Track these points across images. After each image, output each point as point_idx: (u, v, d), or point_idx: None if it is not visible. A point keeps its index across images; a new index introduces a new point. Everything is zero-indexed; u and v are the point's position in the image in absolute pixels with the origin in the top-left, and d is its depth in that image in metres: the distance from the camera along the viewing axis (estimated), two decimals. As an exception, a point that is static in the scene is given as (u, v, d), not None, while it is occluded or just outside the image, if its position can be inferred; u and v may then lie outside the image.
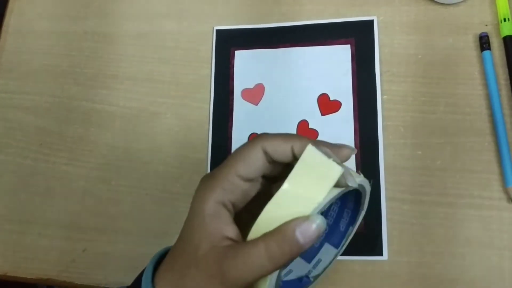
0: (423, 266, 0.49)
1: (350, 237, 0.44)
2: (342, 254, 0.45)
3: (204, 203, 0.35)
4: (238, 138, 0.55)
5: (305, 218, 0.32)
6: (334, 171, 0.33)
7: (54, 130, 0.60)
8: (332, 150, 0.36)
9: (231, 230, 0.35)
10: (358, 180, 0.36)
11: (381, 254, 0.50)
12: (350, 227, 0.43)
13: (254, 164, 0.35)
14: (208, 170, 0.55)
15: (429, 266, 0.49)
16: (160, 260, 0.38)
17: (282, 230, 0.33)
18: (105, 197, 0.57)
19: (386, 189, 0.51)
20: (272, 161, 0.36)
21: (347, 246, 0.48)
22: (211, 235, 0.34)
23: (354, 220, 0.43)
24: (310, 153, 0.34)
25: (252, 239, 0.34)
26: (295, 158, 0.35)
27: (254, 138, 0.37)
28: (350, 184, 0.34)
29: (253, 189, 0.37)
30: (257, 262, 0.33)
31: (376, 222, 0.50)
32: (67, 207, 0.57)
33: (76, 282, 0.54)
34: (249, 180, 0.36)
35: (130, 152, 0.58)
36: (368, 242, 0.50)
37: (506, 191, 0.49)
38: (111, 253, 0.55)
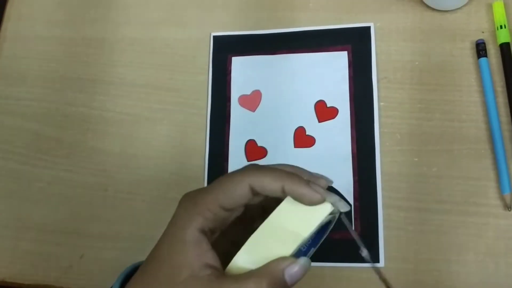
0: (419, 273, 0.49)
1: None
2: (339, 261, 0.45)
3: (185, 230, 0.35)
4: (236, 145, 0.55)
5: (293, 261, 0.34)
6: (323, 209, 0.35)
7: (51, 136, 0.60)
8: (311, 179, 0.36)
9: (211, 257, 0.35)
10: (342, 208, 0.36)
11: (377, 260, 0.50)
12: (312, 248, 0.43)
13: (238, 198, 0.36)
14: (205, 177, 0.55)
15: (425, 273, 0.49)
16: (128, 277, 0.38)
17: (271, 272, 0.34)
18: (102, 203, 0.57)
19: (382, 196, 0.51)
20: (257, 193, 0.36)
21: (344, 252, 0.49)
22: (192, 263, 0.34)
23: (317, 243, 0.43)
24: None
25: (238, 275, 0.34)
26: (284, 195, 0.36)
27: (243, 170, 0.36)
28: (340, 209, 0.36)
29: (233, 216, 0.37)
30: None
31: (373, 228, 0.50)
32: (65, 213, 0.57)
33: (73, 288, 0.55)
34: (231, 211, 0.36)
35: (127, 158, 0.58)
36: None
37: (502, 198, 0.49)
38: (108, 259, 0.55)
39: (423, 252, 0.49)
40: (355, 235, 0.36)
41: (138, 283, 0.37)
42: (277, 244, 0.35)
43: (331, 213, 0.35)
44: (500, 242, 0.49)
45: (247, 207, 0.38)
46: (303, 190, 0.35)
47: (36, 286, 0.55)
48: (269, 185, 0.35)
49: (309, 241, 0.41)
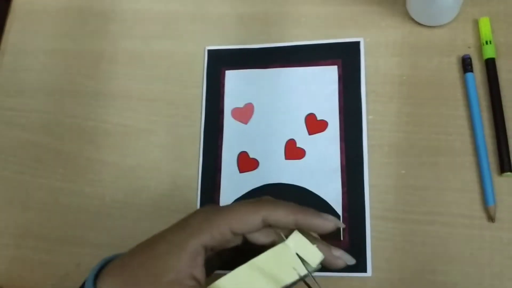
0: (406, 283, 0.50)
1: None
2: (327, 271, 0.46)
3: (190, 239, 0.38)
4: (228, 156, 0.57)
5: None
6: (295, 273, 0.38)
7: (49, 147, 0.61)
8: (316, 221, 0.40)
9: (200, 272, 0.37)
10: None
11: (365, 270, 0.51)
12: None
13: (249, 227, 0.39)
14: (199, 187, 0.56)
15: (411, 282, 0.50)
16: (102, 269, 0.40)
17: None
18: (99, 212, 0.58)
19: (370, 207, 0.53)
20: (268, 225, 0.39)
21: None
22: (182, 270, 0.37)
23: None
24: (296, 238, 0.39)
25: None
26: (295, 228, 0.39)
27: (258, 202, 0.39)
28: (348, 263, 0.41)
29: (237, 241, 0.40)
30: None
31: (361, 239, 0.52)
32: (61, 222, 0.58)
33: (69, 296, 0.56)
34: (238, 235, 0.39)
35: (123, 168, 0.59)
36: (352, 258, 0.51)
37: (486, 210, 0.50)
38: (104, 268, 0.56)
39: (410, 262, 0.51)
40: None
41: (117, 266, 0.39)
42: (260, 283, 0.38)
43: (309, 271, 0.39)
44: (485, 253, 0.50)
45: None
46: (316, 220, 0.39)
47: (33, 293, 0.57)
48: (283, 218, 0.38)
49: None
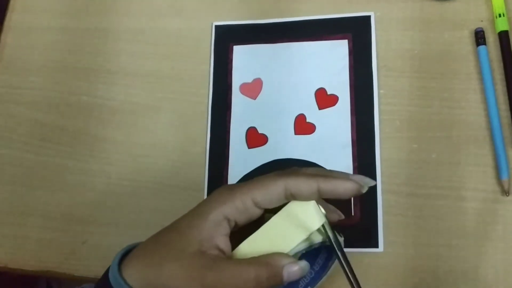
0: (418, 258, 0.49)
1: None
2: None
3: (211, 210, 0.37)
4: (237, 132, 0.56)
5: (294, 261, 0.37)
6: (316, 221, 0.37)
7: (55, 125, 0.60)
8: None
9: (224, 242, 0.37)
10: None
11: (376, 246, 0.50)
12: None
13: (272, 197, 0.37)
14: (207, 164, 0.56)
15: (424, 257, 0.49)
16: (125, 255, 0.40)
17: (272, 264, 0.36)
18: (105, 190, 0.57)
19: (382, 182, 0.52)
20: (291, 198, 0.38)
21: (344, 238, 0.49)
22: (205, 240, 0.36)
23: (316, 280, 0.45)
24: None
25: (241, 260, 0.37)
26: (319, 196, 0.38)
27: (280, 172, 0.38)
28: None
29: (257, 214, 0.39)
30: (244, 283, 0.36)
31: (372, 214, 0.51)
32: (67, 200, 0.58)
33: (75, 274, 0.55)
34: (260, 208, 0.38)
35: (130, 146, 0.58)
36: (364, 234, 0.51)
37: (500, 184, 0.50)
38: (110, 246, 0.55)
39: (422, 237, 0.50)
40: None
41: (141, 249, 0.39)
42: (280, 240, 0.37)
43: (323, 242, 0.38)
44: (498, 227, 0.49)
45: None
46: (339, 184, 0.37)
47: (38, 271, 0.56)
48: (304, 186, 0.37)
49: (321, 258, 0.43)
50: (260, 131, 0.55)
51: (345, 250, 0.50)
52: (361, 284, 0.36)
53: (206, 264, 0.36)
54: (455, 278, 0.48)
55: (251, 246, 0.38)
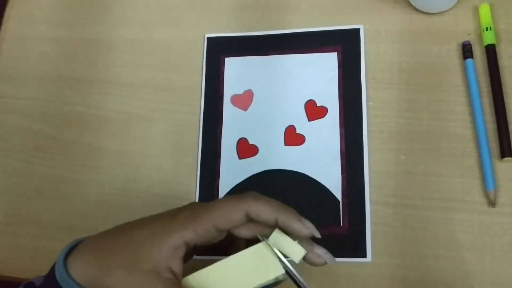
0: (406, 268, 0.50)
1: None
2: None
3: (173, 233, 0.38)
4: (227, 142, 0.57)
5: None
6: (279, 268, 0.38)
7: (49, 134, 0.61)
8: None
9: (178, 266, 0.38)
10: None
11: (364, 256, 0.51)
12: None
13: (232, 223, 0.39)
14: (198, 175, 0.56)
15: (411, 268, 0.50)
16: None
17: None
18: (98, 200, 0.58)
19: (370, 192, 0.52)
20: (251, 220, 0.39)
21: (331, 247, 0.50)
22: (160, 261, 0.37)
23: None
24: (277, 236, 0.39)
25: None
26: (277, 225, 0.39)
27: (241, 196, 0.39)
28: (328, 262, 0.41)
29: (220, 237, 0.40)
30: None
31: (360, 224, 0.51)
32: (61, 210, 0.58)
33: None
34: (222, 232, 0.39)
35: (123, 156, 0.59)
36: (352, 244, 0.51)
37: (486, 195, 0.50)
38: (102, 255, 0.56)
39: (410, 248, 0.50)
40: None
41: (98, 244, 0.40)
42: (233, 281, 0.38)
43: (281, 277, 0.39)
44: (485, 238, 0.49)
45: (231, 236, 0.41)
46: (295, 224, 0.39)
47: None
48: (264, 214, 0.39)
49: None
50: (250, 142, 0.56)
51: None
52: None
53: (156, 284, 0.37)
54: (441, 289, 0.49)
55: (204, 278, 0.38)
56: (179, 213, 0.40)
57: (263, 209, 0.38)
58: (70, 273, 0.38)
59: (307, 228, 0.40)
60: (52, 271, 0.39)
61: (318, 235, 0.40)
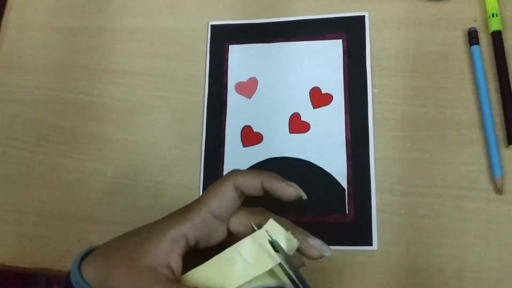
0: (412, 256, 0.50)
1: None
2: (333, 244, 0.45)
3: (170, 227, 0.38)
4: (232, 130, 0.56)
5: None
6: (269, 262, 0.37)
7: (51, 123, 0.61)
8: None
9: (176, 262, 0.37)
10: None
11: (370, 244, 0.50)
12: None
13: (226, 201, 0.39)
14: (202, 163, 0.56)
15: (417, 255, 0.50)
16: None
17: None
18: (101, 188, 0.58)
19: (376, 180, 0.52)
20: (243, 195, 0.39)
21: (338, 235, 0.49)
22: (157, 257, 0.37)
23: None
24: (270, 226, 0.38)
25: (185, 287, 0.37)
26: (264, 192, 0.39)
27: (226, 174, 0.40)
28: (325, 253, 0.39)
29: (220, 233, 0.40)
30: None
31: (366, 212, 0.51)
32: (64, 198, 0.58)
33: (71, 272, 0.55)
34: (220, 218, 0.39)
35: (126, 144, 0.59)
36: (358, 232, 0.51)
37: (493, 183, 0.50)
38: (106, 243, 0.55)
39: (416, 235, 0.50)
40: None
41: (108, 248, 0.40)
42: (227, 275, 0.37)
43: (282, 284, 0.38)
44: (492, 226, 0.49)
45: (233, 237, 0.40)
46: (279, 183, 0.39)
47: (34, 269, 0.56)
48: (250, 180, 0.39)
49: None
50: (255, 130, 0.56)
51: (340, 248, 0.51)
52: None
53: (153, 281, 0.36)
54: (448, 276, 0.49)
55: (202, 274, 0.37)
56: (176, 210, 0.40)
57: (248, 176, 0.39)
58: (82, 274, 0.38)
59: (291, 186, 0.39)
60: (68, 274, 0.39)
61: (304, 195, 0.40)
